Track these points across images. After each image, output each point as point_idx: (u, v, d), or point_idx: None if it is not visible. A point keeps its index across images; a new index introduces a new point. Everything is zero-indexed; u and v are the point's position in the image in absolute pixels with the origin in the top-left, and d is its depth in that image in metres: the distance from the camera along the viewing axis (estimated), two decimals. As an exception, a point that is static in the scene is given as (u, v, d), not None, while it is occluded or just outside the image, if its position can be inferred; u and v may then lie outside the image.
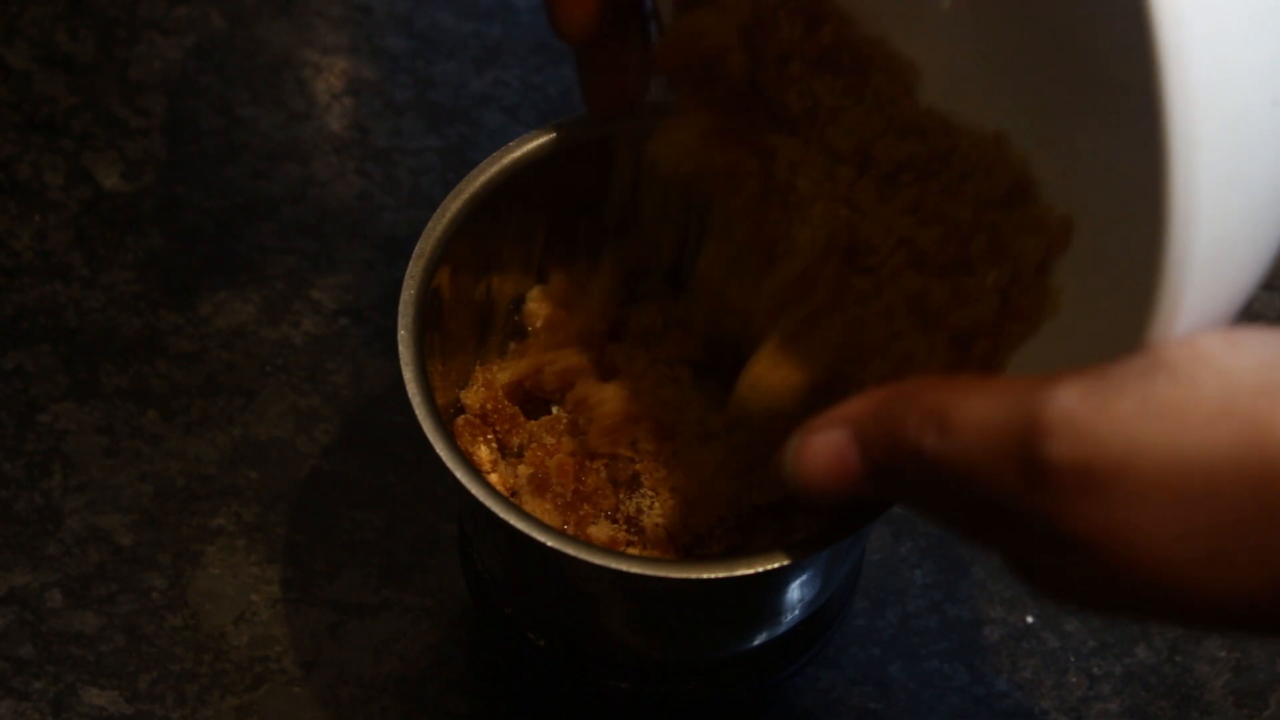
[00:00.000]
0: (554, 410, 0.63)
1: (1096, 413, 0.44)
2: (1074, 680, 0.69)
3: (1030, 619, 0.70)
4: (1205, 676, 0.69)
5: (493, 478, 0.62)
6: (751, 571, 0.55)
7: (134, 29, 0.81)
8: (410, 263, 0.59)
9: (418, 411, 0.56)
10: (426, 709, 0.68)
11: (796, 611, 0.62)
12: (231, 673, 0.68)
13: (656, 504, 0.60)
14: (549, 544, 0.54)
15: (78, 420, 0.72)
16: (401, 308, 0.58)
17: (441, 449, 0.56)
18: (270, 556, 0.70)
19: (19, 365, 0.73)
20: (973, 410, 0.46)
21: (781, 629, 0.63)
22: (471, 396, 0.63)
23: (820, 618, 0.64)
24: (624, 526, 0.60)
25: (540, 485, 0.60)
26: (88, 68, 0.80)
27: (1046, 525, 0.45)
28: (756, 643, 0.63)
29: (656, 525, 0.60)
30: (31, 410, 0.72)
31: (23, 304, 0.75)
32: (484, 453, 0.62)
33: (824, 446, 0.50)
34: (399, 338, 0.58)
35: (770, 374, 0.56)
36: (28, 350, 0.74)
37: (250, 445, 0.72)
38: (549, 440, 0.61)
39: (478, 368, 0.64)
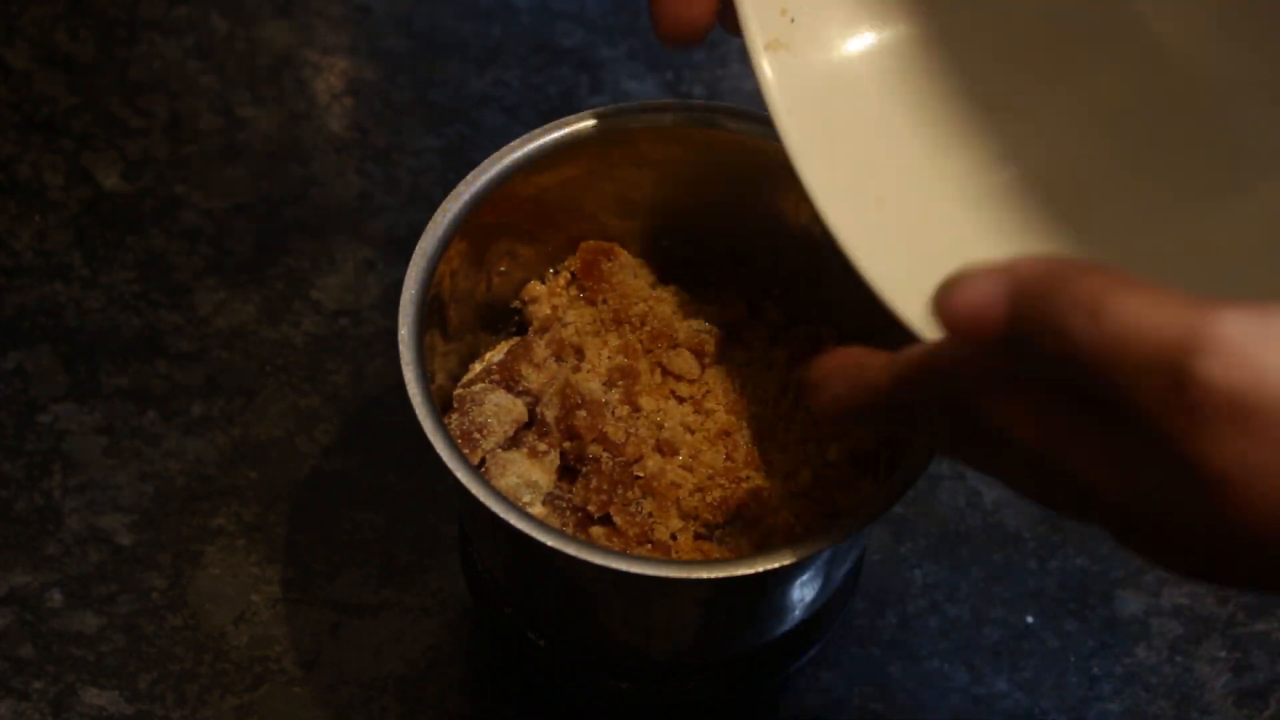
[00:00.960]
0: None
1: (1263, 343, 0.42)
2: (1074, 680, 0.69)
3: (1030, 619, 0.70)
4: (1205, 676, 0.69)
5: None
6: (751, 571, 0.55)
7: (134, 29, 0.81)
8: (410, 263, 0.59)
9: (418, 411, 0.56)
10: (426, 709, 0.68)
11: (796, 611, 0.62)
12: (231, 673, 0.68)
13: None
14: (549, 544, 0.54)
15: (78, 420, 0.72)
16: (402, 308, 0.58)
17: (441, 449, 0.56)
18: (270, 556, 0.70)
19: (19, 365, 0.73)
20: (1131, 305, 0.43)
21: (781, 629, 0.63)
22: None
23: (820, 618, 0.64)
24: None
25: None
26: (88, 68, 0.80)
27: (1177, 450, 0.43)
28: (757, 643, 0.63)
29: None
30: (31, 410, 0.72)
31: (23, 304, 0.75)
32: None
33: (977, 291, 0.46)
34: (399, 337, 0.58)
35: None
36: (28, 350, 0.74)
37: (250, 445, 0.72)
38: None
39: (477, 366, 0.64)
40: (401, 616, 0.69)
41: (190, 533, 0.70)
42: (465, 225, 0.61)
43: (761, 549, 0.60)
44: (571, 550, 0.54)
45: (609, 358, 0.63)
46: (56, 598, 0.69)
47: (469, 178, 0.61)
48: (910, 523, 0.72)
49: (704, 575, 0.55)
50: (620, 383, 0.62)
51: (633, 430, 0.61)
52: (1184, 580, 0.71)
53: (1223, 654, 0.70)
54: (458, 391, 0.63)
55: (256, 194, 0.78)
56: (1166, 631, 0.70)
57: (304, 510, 0.71)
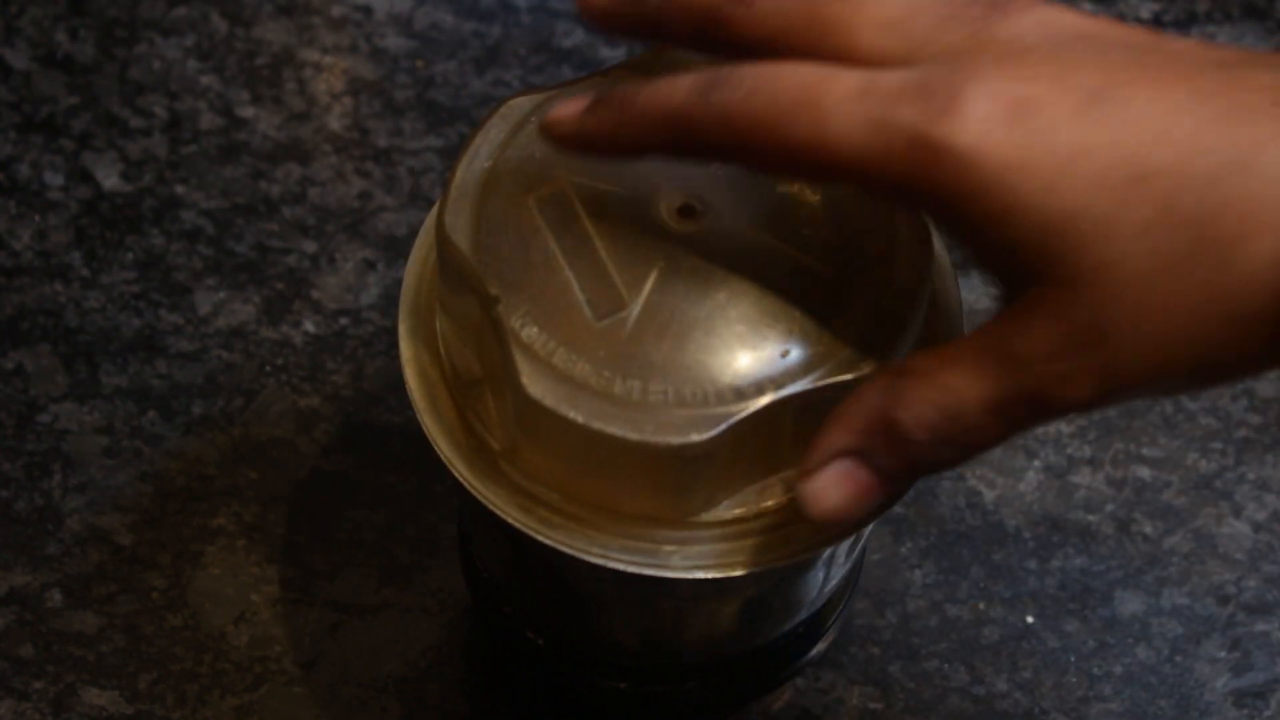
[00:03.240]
0: None
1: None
2: (1074, 680, 0.69)
3: (1030, 619, 0.70)
4: (1205, 676, 0.69)
5: None
6: (749, 571, 0.55)
7: (134, 29, 0.81)
8: (409, 261, 0.59)
9: (418, 411, 0.56)
10: (426, 709, 0.68)
11: (795, 611, 0.62)
12: (231, 673, 0.68)
13: None
14: (548, 543, 0.54)
15: (78, 420, 0.72)
16: (401, 307, 0.58)
17: (442, 448, 0.56)
18: (270, 556, 0.70)
19: (19, 365, 0.73)
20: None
21: (780, 629, 0.63)
22: None
23: (820, 618, 0.64)
24: None
25: None
26: (88, 68, 0.80)
27: None
28: (756, 643, 0.63)
29: None
30: (31, 410, 0.72)
31: (23, 304, 0.75)
32: None
33: (832, 482, 0.51)
34: (400, 335, 0.58)
35: None
36: (28, 350, 0.74)
37: (250, 445, 0.72)
38: None
39: None
40: (401, 616, 0.69)
41: (190, 533, 0.70)
42: None
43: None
44: (569, 549, 0.54)
45: None
46: (56, 598, 0.69)
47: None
48: (910, 523, 0.72)
49: (703, 575, 0.55)
50: None
51: None
52: (1183, 580, 0.71)
53: (1223, 654, 0.70)
54: None
55: (256, 194, 0.78)
56: (1166, 631, 0.70)
57: (304, 510, 0.71)
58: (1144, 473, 0.73)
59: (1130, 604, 0.71)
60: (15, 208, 0.77)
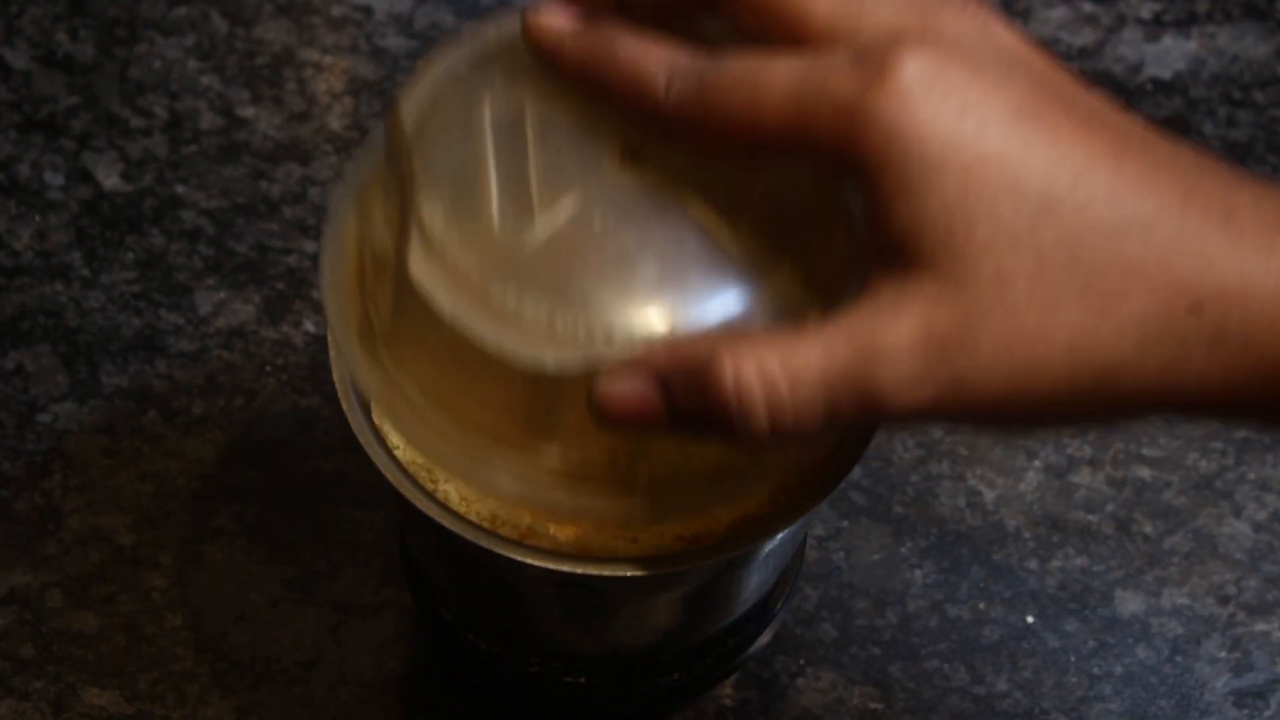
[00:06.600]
0: None
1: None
2: (1074, 680, 0.69)
3: (1030, 619, 0.70)
4: (1205, 676, 0.69)
5: None
6: (682, 568, 0.55)
7: (134, 29, 0.81)
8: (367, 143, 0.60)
9: (322, 273, 0.57)
10: (426, 709, 0.68)
11: (737, 604, 0.62)
12: (231, 673, 0.68)
13: None
14: (353, 429, 0.55)
15: (78, 420, 0.72)
16: (346, 179, 0.59)
17: (330, 311, 0.56)
18: (270, 556, 0.70)
19: (19, 365, 0.73)
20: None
21: (726, 620, 0.63)
22: None
23: (763, 610, 0.64)
24: None
25: None
26: (88, 68, 0.80)
27: None
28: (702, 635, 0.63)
29: None
30: (31, 410, 0.72)
31: (23, 304, 0.75)
32: None
33: (623, 393, 0.50)
34: (334, 201, 0.58)
35: None
36: (28, 350, 0.74)
37: (250, 445, 0.72)
38: None
39: None
40: (401, 616, 0.69)
41: (190, 533, 0.70)
42: None
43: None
44: (367, 446, 0.55)
45: None
46: (56, 598, 0.69)
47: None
48: (910, 522, 0.72)
49: (630, 573, 0.55)
50: None
51: None
52: (1183, 580, 0.71)
53: (1223, 654, 0.70)
54: None
55: (256, 194, 0.78)
56: (1166, 631, 0.70)
57: (304, 510, 0.71)
58: (1144, 473, 0.73)
59: (1130, 604, 0.71)
60: (15, 208, 0.77)
